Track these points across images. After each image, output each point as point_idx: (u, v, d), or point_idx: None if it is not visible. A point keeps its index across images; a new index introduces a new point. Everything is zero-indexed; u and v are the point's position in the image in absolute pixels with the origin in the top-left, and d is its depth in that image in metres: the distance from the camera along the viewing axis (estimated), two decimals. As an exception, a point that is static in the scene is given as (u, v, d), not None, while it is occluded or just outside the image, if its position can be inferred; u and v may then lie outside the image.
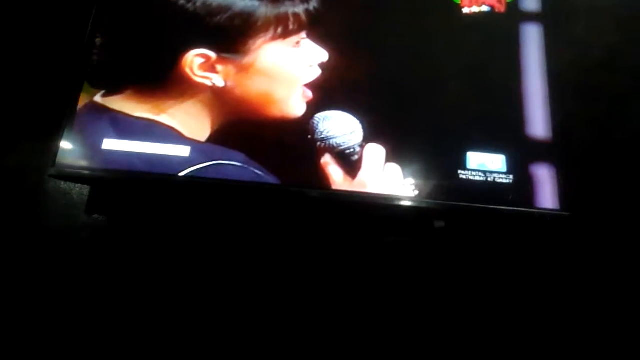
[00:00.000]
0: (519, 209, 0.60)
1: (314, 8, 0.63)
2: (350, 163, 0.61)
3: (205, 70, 0.62)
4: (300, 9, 0.62)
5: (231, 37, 0.61)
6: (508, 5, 0.69)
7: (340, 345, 0.63)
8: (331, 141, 0.61)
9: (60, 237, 0.67)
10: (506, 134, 0.63)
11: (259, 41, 0.61)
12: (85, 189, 0.69)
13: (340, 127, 0.61)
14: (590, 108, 0.73)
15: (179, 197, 0.68)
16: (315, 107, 0.63)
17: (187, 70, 0.62)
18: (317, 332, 0.63)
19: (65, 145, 0.60)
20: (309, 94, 0.63)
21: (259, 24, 0.61)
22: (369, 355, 0.63)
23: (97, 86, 0.63)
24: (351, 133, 0.61)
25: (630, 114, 0.74)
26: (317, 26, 0.64)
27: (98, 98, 0.62)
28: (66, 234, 0.67)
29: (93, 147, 0.60)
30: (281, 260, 0.66)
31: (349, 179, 0.61)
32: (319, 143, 0.61)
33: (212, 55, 0.62)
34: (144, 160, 0.60)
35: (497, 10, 0.69)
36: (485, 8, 0.69)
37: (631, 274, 0.66)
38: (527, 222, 0.64)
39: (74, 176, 0.62)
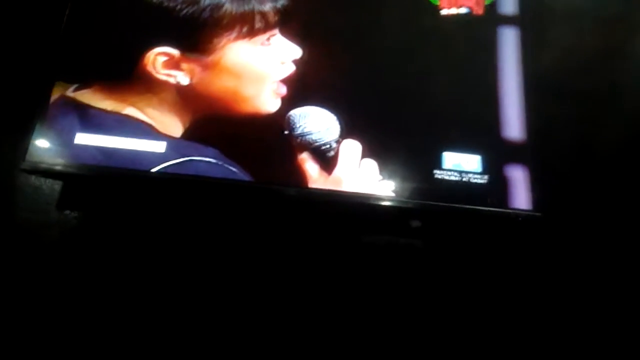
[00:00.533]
0: (493, 209, 0.60)
1: (282, 5, 0.62)
2: (326, 159, 0.61)
3: (168, 68, 0.61)
4: (267, 7, 0.61)
5: (195, 35, 0.60)
6: (486, 7, 0.70)
7: (314, 344, 0.63)
8: (307, 137, 0.61)
9: (31, 233, 0.66)
10: (482, 134, 0.64)
11: (224, 39, 0.61)
12: (57, 184, 0.68)
13: (316, 123, 0.61)
14: (565, 110, 0.74)
15: (152, 193, 0.68)
16: (289, 102, 0.63)
17: (150, 68, 0.61)
18: (290, 332, 0.63)
19: (36, 139, 0.60)
20: (283, 90, 0.63)
21: (225, 22, 0.60)
22: (343, 354, 0.63)
23: (68, 80, 0.63)
24: (327, 129, 0.61)
25: (605, 117, 0.75)
26: (287, 23, 0.64)
27: (70, 92, 0.62)
28: (38, 230, 0.66)
29: (65, 142, 0.60)
30: (255, 259, 0.66)
31: (324, 174, 0.61)
32: (294, 139, 0.61)
33: (176, 53, 0.61)
34: (118, 155, 0.59)
35: (475, 13, 0.70)
36: (463, 10, 0.70)
37: (601, 274, 0.67)
38: (500, 222, 0.65)
39: (46, 171, 0.62)
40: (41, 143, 0.60)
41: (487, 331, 0.64)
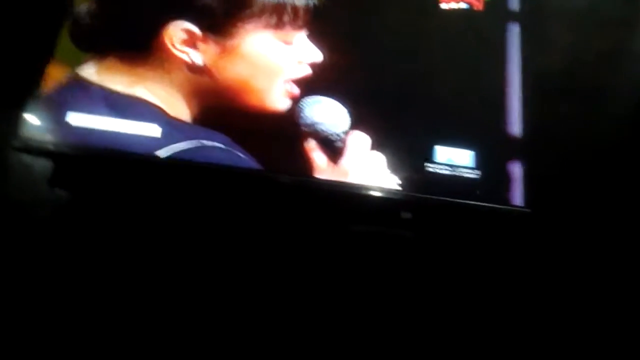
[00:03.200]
0: (483, 203, 0.61)
1: (314, 4, 0.62)
2: (334, 149, 0.61)
3: (186, 45, 0.60)
4: (299, 2, 0.61)
5: (222, 17, 0.60)
6: (486, 3, 0.70)
7: (304, 331, 0.64)
8: (316, 127, 0.61)
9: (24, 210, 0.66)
10: (476, 130, 0.64)
11: (250, 26, 0.60)
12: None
13: (326, 113, 0.61)
14: (561, 109, 0.75)
15: (153, 178, 0.67)
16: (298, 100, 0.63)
17: (167, 41, 0.60)
18: (282, 319, 0.64)
19: (32, 117, 0.58)
20: (295, 90, 0.63)
21: (255, 8, 0.60)
22: (332, 343, 0.63)
23: (84, 49, 0.62)
24: (337, 120, 0.61)
25: (601, 116, 0.75)
26: (314, 22, 0.63)
27: (82, 70, 0.61)
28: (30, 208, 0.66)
29: (62, 122, 0.59)
30: (251, 248, 0.66)
31: (331, 165, 0.61)
32: (304, 128, 0.61)
33: (197, 31, 0.60)
34: (123, 136, 0.59)
35: (475, 8, 0.70)
36: (463, 5, 0.70)
37: (590, 271, 0.68)
38: (490, 217, 0.65)
39: (43, 150, 0.60)
40: (35, 121, 0.58)
41: (475, 323, 0.65)
